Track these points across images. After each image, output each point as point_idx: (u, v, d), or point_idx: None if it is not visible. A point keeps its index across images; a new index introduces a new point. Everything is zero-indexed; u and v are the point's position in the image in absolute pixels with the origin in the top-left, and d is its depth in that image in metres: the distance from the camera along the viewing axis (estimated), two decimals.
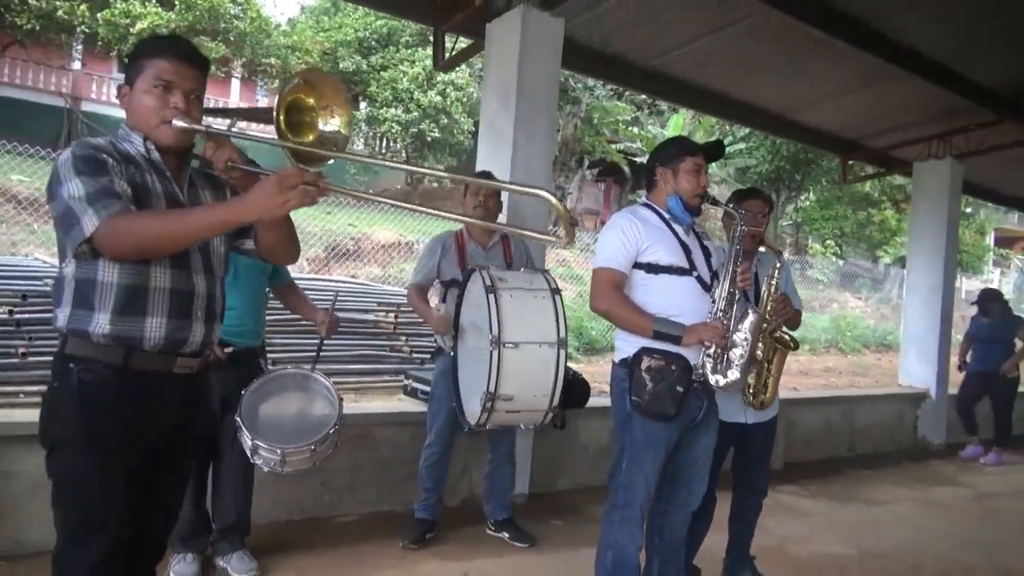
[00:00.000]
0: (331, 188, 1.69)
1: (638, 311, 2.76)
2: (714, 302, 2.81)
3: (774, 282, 3.11)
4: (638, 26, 5.66)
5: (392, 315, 7.70)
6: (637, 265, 2.83)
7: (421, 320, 8.13)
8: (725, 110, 7.55)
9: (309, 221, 11.77)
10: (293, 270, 3.90)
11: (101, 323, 1.73)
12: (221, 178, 1.98)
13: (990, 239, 27.20)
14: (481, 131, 4.75)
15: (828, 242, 22.46)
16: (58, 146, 14.96)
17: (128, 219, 1.67)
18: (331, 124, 1.86)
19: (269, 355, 3.59)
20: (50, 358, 5.30)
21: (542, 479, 4.82)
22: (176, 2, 14.70)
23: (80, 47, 17.60)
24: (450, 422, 3.77)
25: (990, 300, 7.13)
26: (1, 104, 15.85)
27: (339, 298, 7.57)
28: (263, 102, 22.05)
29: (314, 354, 3.24)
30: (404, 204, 2.43)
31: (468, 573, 3.49)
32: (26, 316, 5.82)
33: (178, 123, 1.82)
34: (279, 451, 2.91)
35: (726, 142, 21.60)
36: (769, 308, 3.05)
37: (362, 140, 17.59)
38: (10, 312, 5.81)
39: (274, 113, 1.73)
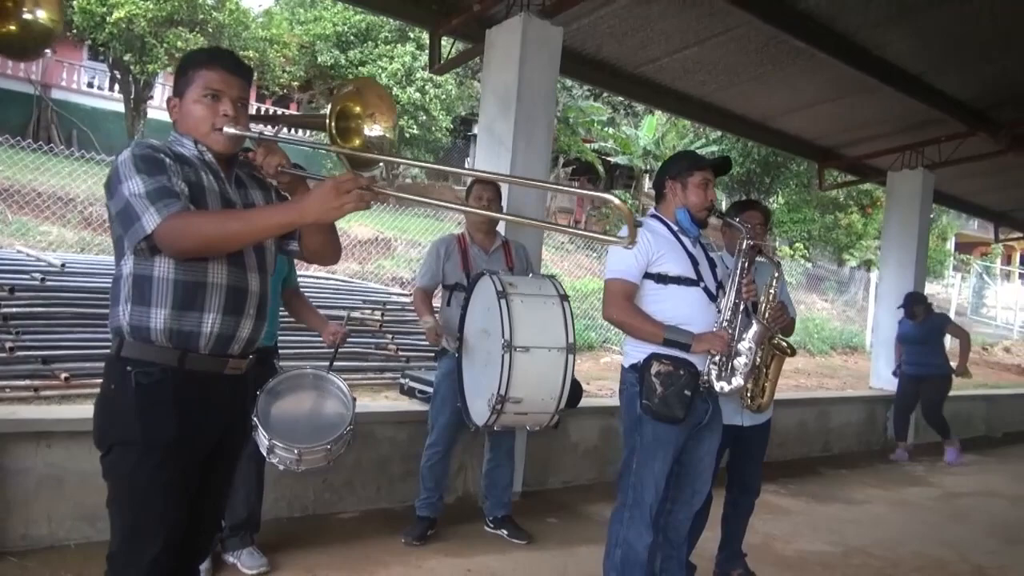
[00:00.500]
0: (384, 192, 1.76)
1: (650, 320, 2.88)
2: (720, 312, 2.93)
3: (772, 291, 3.24)
4: (629, 34, 5.80)
5: (378, 313, 7.74)
6: (647, 275, 2.94)
7: (408, 319, 8.24)
8: (708, 116, 7.74)
9: None
10: None
11: (159, 318, 1.78)
12: (266, 179, 2.07)
13: (951, 244, 27.90)
14: (479, 136, 4.83)
15: (796, 244, 22.87)
16: (27, 134, 14.70)
17: (189, 217, 1.73)
18: (375, 129, 1.95)
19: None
20: (38, 352, 5.26)
21: (534, 477, 4.93)
22: None
23: None
24: (453, 422, 3.86)
25: (915, 303, 7.15)
26: None
27: (321, 294, 7.64)
28: None
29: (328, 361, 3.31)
30: (451, 205, 2.50)
31: (471, 570, 3.58)
32: (13, 310, 5.75)
33: (229, 130, 1.89)
34: (296, 450, 2.97)
35: (698, 145, 21.92)
36: (767, 316, 3.18)
37: None
38: None
39: (327, 120, 1.81)
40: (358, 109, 1.90)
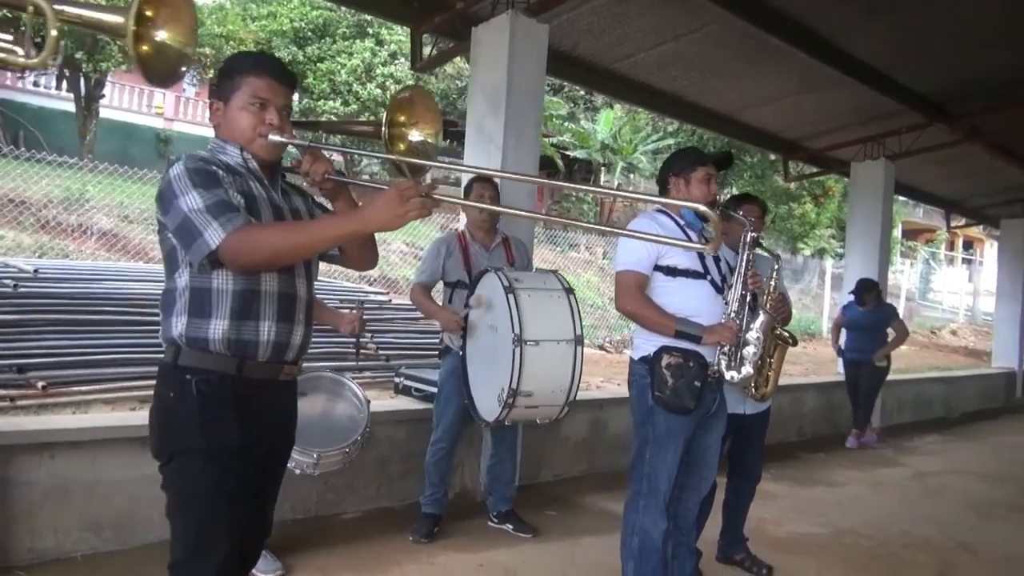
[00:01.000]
0: (442, 199, 1.79)
1: (662, 312, 2.95)
2: (727, 304, 3.02)
3: (772, 283, 3.34)
4: (607, 31, 5.88)
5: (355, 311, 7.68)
6: (657, 268, 3.02)
7: (386, 316, 8.22)
8: (678, 111, 7.88)
9: None
10: None
11: (219, 329, 1.78)
12: (302, 186, 2.07)
13: (898, 231, 28.76)
14: (468, 134, 4.84)
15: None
16: None
17: (254, 231, 1.73)
18: (418, 135, 1.98)
19: None
20: (13, 361, 5.09)
21: (527, 471, 4.97)
22: None
23: None
24: (458, 419, 3.89)
25: (866, 291, 7.18)
26: None
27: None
28: (190, 92, 21.41)
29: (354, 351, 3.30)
30: (522, 212, 2.54)
31: (483, 565, 3.62)
32: None
33: (274, 138, 1.89)
34: (315, 454, 2.99)
35: (655, 138, 22.22)
36: (769, 307, 3.27)
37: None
38: None
39: (383, 128, 1.83)
40: (403, 118, 1.93)
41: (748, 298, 3.03)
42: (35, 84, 18.46)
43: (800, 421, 7.41)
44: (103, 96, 16.78)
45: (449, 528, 4.01)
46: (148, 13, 1.18)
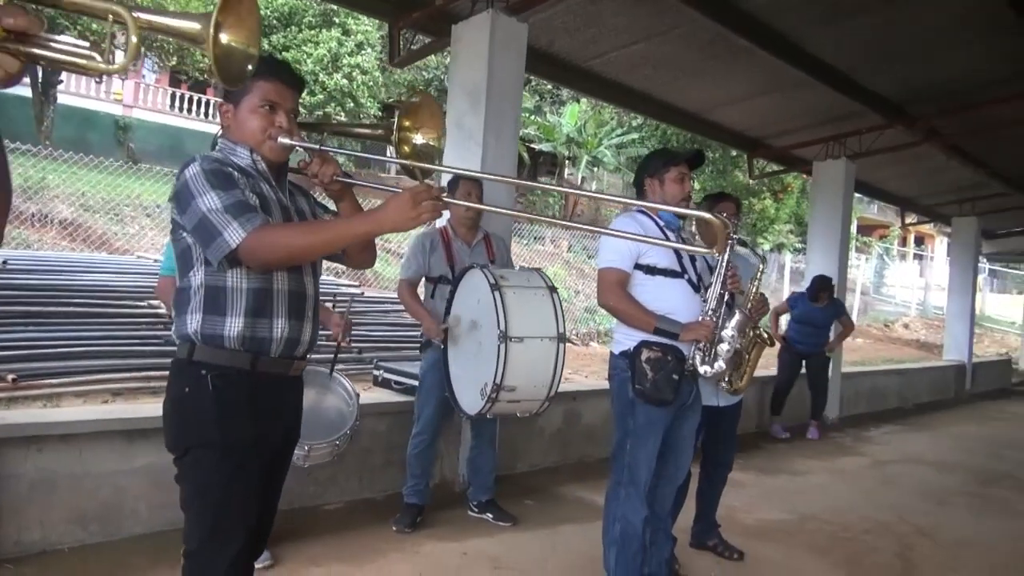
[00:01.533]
0: (451, 202, 1.87)
1: (642, 309, 3.07)
2: (706, 302, 3.14)
3: (755, 283, 3.47)
4: (582, 29, 5.98)
5: (329, 304, 7.69)
6: (636, 266, 3.13)
7: (359, 309, 8.23)
8: (649, 108, 8.03)
9: None
10: None
11: (234, 326, 1.83)
12: (304, 186, 2.14)
13: (854, 227, 29.47)
14: (448, 132, 4.88)
15: None
16: None
17: (272, 232, 1.78)
18: (421, 138, 2.06)
19: None
20: None
21: (504, 462, 5.06)
22: None
23: None
24: (439, 411, 3.98)
25: (822, 288, 7.24)
26: None
27: None
28: (150, 79, 21.00)
29: (331, 358, 3.36)
30: (512, 212, 2.60)
31: (467, 553, 3.72)
32: None
33: (283, 140, 1.95)
34: (306, 447, 3.04)
35: (619, 132, 22.43)
36: (751, 307, 3.41)
37: None
38: None
39: (394, 132, 1.91)
40: (408, 122, 2.00)
41: (726, 297, 3.16)
42: None
43: (762, 413, 7.63)
44: (61, 82, 16.39)
45: (431, 518, 4.09)
46: (222, 19, 1.27)
